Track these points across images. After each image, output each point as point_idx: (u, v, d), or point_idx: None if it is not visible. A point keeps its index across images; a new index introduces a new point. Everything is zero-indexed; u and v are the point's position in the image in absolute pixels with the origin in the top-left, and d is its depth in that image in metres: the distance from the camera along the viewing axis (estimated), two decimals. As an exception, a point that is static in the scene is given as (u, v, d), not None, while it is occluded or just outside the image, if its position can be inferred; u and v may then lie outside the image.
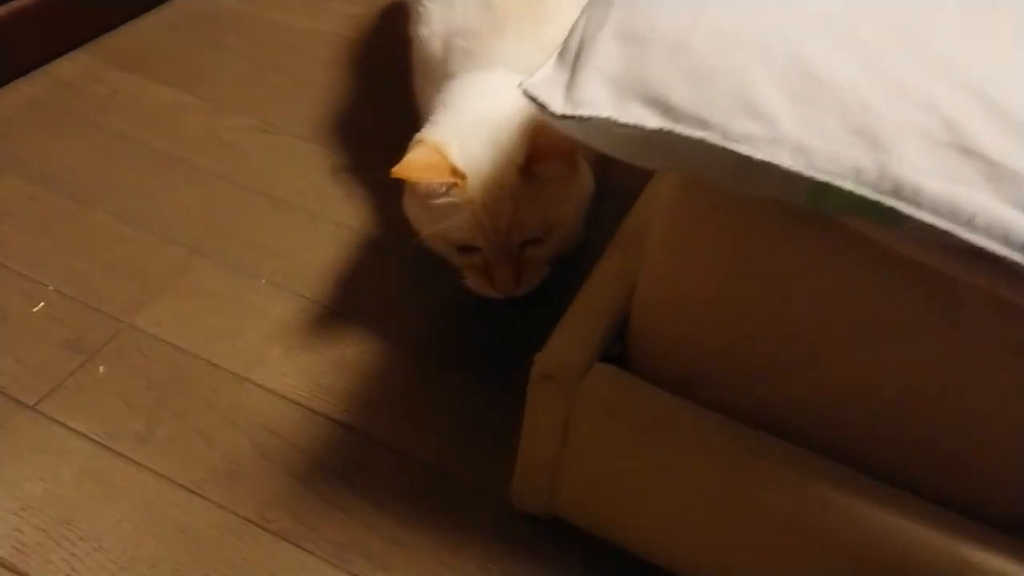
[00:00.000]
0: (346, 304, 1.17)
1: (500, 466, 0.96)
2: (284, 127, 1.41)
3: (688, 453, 0.81)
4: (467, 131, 1.01)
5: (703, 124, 0.59)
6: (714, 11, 0.63)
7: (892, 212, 0.57)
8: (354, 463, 1.00)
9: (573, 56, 0.65)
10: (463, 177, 0.97)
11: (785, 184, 0.60)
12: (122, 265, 1.19)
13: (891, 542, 0.73)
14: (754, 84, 0.59)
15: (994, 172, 0.56)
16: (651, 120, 0.60)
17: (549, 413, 0.85)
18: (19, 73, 1.45)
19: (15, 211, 1.25)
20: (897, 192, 0.57)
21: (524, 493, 0.94)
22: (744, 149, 0.59)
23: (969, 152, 0.57)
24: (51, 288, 1.16)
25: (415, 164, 0.98)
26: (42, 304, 1.14)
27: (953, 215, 0.57)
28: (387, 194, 1.10)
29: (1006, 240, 0.56)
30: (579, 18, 0.68)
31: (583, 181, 1.05)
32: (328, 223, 1.27)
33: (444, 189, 0.97)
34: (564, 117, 0.62)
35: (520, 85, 0.65)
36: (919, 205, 0.57)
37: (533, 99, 0.63)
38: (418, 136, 1.03)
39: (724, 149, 0.59)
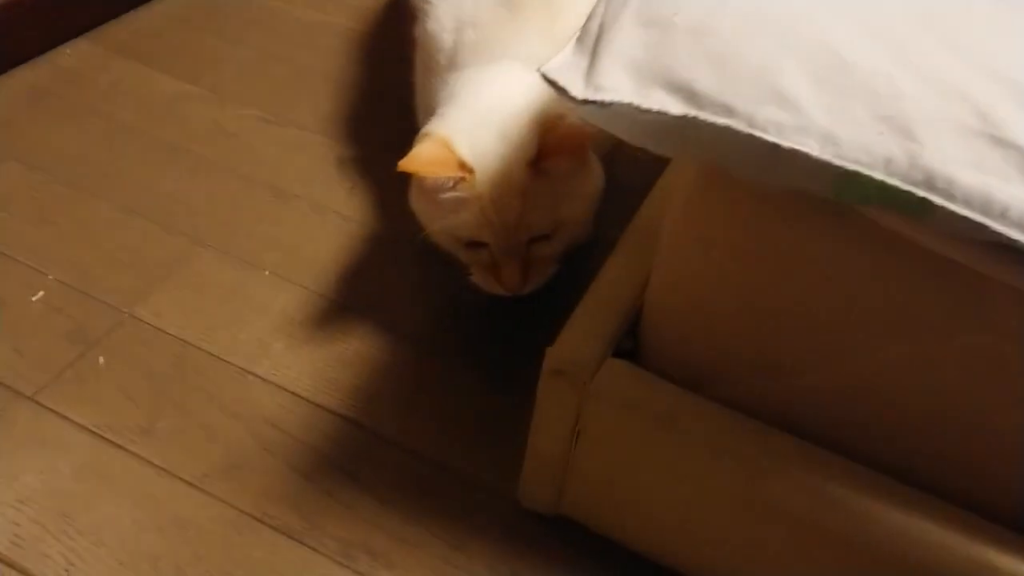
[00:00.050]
0: (351, 297, 1.15)
1: (507, 463, 0.95)
2: (289, 118, 1.39)
3: (701, 451, 0.79)
4: (476, 125, 0.99)
5: (728, 111, 0.58)
6: (740, -5, 0.62)
7: (923, 203, 0.56)
8: (358, 458, 0.98)
9: (593, 40, 0.63)
10: (471, 171, 0.96)
11: (812, 174, 0.58)
12: (123, 255, 1.18)
13: (908, 543, 0.72)
14: (781, 70, 0.58)
15: (1028, 163, 0.55)
16: (675, 106, 0.59)
17: (560, 409, 0.83)
18: (21, 60, 1.43)
19: (16, 199, 1.23)
20: (928, 182, 0.56)
21: (532, 491, 0.92)
22: (771, 137, 0.57)
23: (1002, 142, 0.56)
24: (51, 277, 1.14)
25: (422, 158, 0.96)
26: (42, 293, 1.12)
27: (986, 207, 0.55)
28: (393, 187, 1.08)
29: (1040, 234, 0.54)
30: (598, 2, 0.67)
31: (593, 177, 1.04)
32: (333, 215, 1.25)
33: (451, 183, 0.96)
34: (585, 102, 0.61)
35: (539, 69, 0.63)
36: (951, 196, 0.55)
37: (553, 83, 0.62)
38: (425, 129, 1.01)
39: (750, 137, 0.57)
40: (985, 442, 0.71)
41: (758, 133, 0.57)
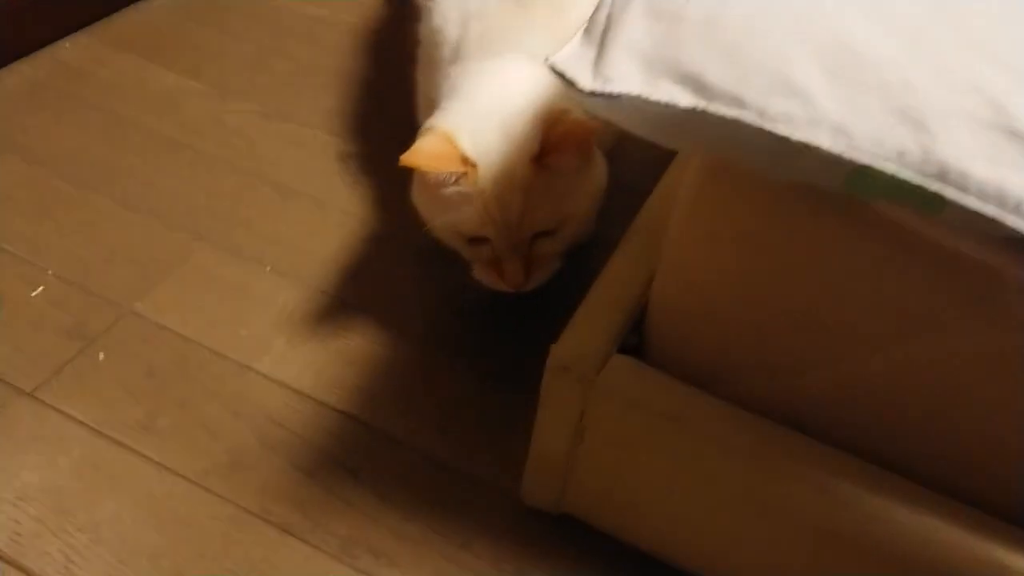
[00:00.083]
0: (352, 294, 1.14)
1: (510, 461, 0.94)
2: (289, 113, 1.38)
3: (708, 449, 0.78)
4: (479, 119, 0.98)
5: (739, 103, 0.57)
6: (750, -14, 0.61)
7: (936, 197, 0.55)
8: (360, 455, 0.98)
9: (600, 31, 0.63)
10: (473, 166, 0.95)
11: (823, 167, 0.57)
12: (123, 250, 1.17)
13: (920, 543, 0.71)
14: (793, 62, 0.57)
15: (1044, 156, 0.54)
16: (684, 98, 0.58)
17: (564, 406, 0.82)
18: (20, 55, 1.42)
19: (15, 194, 1.22)
20: (942, 175, 0.55)
21: (535, 489, 0.91)
22: (782, 129, 0.56)
23: (1017, 134, 0.55)
24: (50, 272, 1.13)
25: (424, 152, 0.95)
26: (41, 289, 1.11)
27: (1000, 201, 0.54)
28: (395, 183, 1.07)
29: (1056, 229, 0.53)
30: (605, -7, 0.66)
31: (597, 173, 1.03)
32: (334, 211, 1.24)
33: (453, 179, 0.95)
34: (593, 94, 0.60)
35: (547, 60, 0.62)
36: (965, 189, 0.54)
37: (560, 75, 0.61)
38: (428, 123, 1.01)
39: (760, 129, 0.57)
40: (995, 439, 0.70)
41: (768, 125, 0.56)
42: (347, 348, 1.08)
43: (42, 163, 1.27)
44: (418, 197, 1.03)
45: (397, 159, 0.92)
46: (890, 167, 0.55)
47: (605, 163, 1.04)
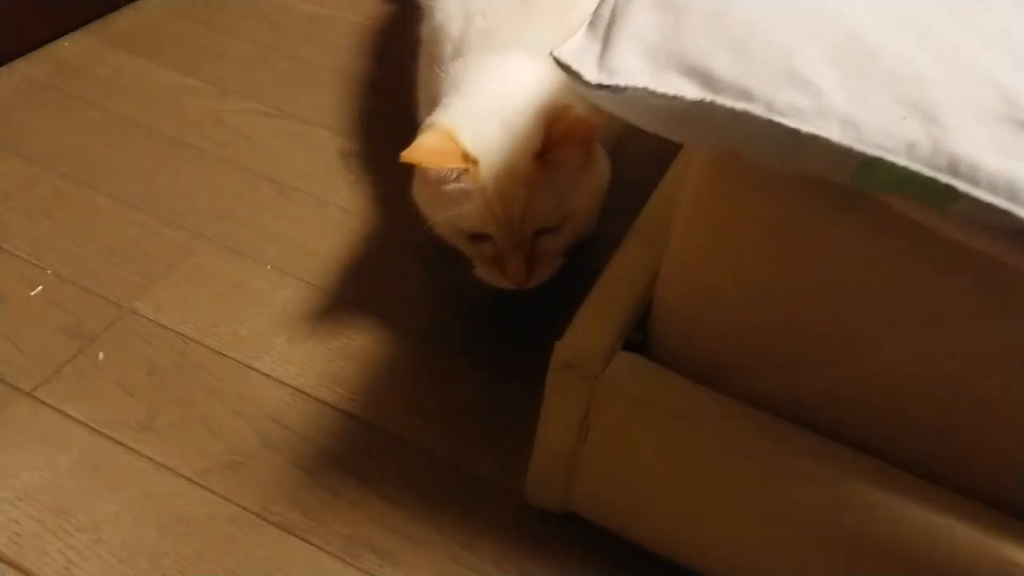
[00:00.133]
0: (354, 292, 1.14)
1: (513, 460, 0.93)
2: (290, 111, 1.38)
3: (715, 446, 0.78)
4: (480, 115, 0.98)
5: (746, 95, 0.56)
6: (756, -23, 0.60)
7: (946, 190, 0.54)
8: (362, 455, 0.97)
9: (605, 24, 0.62)
10: (475, 163, 0.94)
11: (831, 160, 0.57)
12: (123, 249, 1.16)
13: (931, 542, 0.70)
14: (800, 53, 0.56)
15: (1055, 149, 0.53)
16: (691, 91, 0.57)
17: (569, 403, 0.81)
18: (19, 53, 1.42)
19: (14, 193, 1.22)
20: (953, 168, 0.54)
21: (539, 487, 0.90)
22: (790, 122, 0.55)
23: (1028, 127, 0.54)
24: (50, 272, 1.12)
25: (425, 148, 0.95)
26: (40, 288, 1.10)
27: (1012, 193, 0.54)
28: (396, 180, 1.07)
29: (1067, 222, 0.53)
30: (610, -14, 0.65)
31: (600, 169, 1.02)
32: (335, 209, 1.23)
33: (454, 175, 0.94)
34: (599, 87, 0.59)
35: (552, 53, 0.61)
36: (976, 182, 0.54)
37: (566, 68, 0.60)
38: (429, 120, 1.00)
39: (769, 122, 0.56)
40: (1006, 434, 0.69)
41: (777, 118, 0.56)
42: (348, 347, 1.07)
43: (41, 162, 1.26)
44: (419, 194, 1.02)
45: (398, 157, 0.92)
46: (900, 160, 0.55)
47: (608, 160, 1.03)
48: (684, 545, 0.85)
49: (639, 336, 0.83)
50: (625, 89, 0.59)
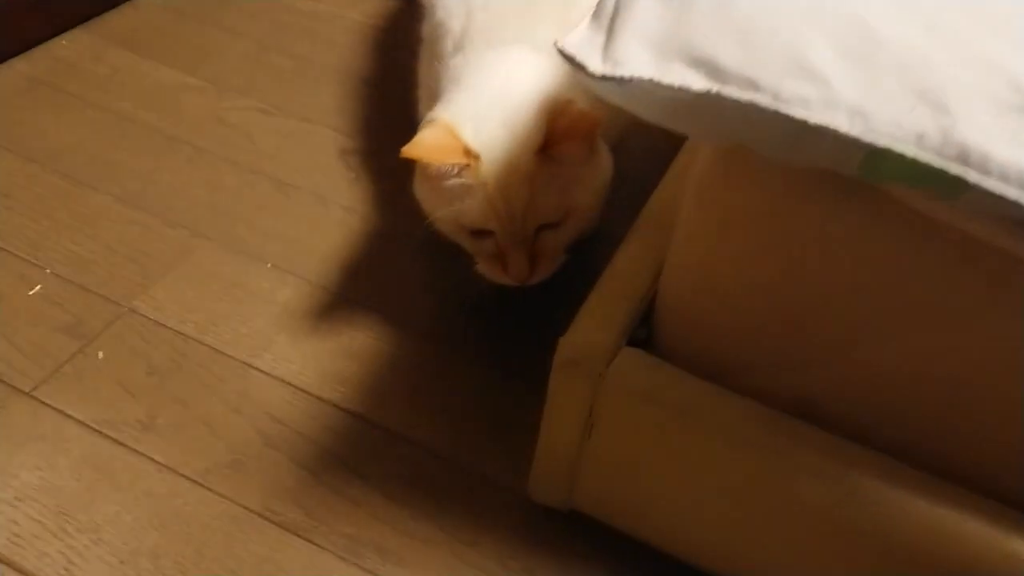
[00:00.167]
0: (354, 290, 1.13)
1: (516, 457, 0.93)
2: (289, 109, 1.37)
3: (719, 442, 0.77)
4: (482, 110, 0.97)
5: (753, 85, 0.55)
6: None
7: (956, 180, 0.54)
8: (364, 453, 0.96)
9: (609, 16, 0.61)
10: (476, 158, 0.94)
11: (839, 151, 0.56)
12: (122, 248, 1.15)
13: (938, 537, 0.70)
14: (808, 43, 0.56)
15: (1067, 138, 0.53)
16: (697, 81, 0.57)
17: (573, 400, 0.81)
18: (17, 51, 1.41)
19: (12, 192, 1.21)
20: (963, 158, 0.53)
21: (543, 485, 0.90)
22: (798, 112, 0.55)
23: (1039, 116, 0.53)
24: (49, 271, 1.12)
25: (426, 143, 0.94)
26: (39, 287, 1.10)
27: (1023, 183, 0.53)
28: (396, 178, 1.06)
29: (1080, 212, 0.52)
30: (613, -22, 0.64)
31: (603, 164, 1.01)
32: (335, 207, 1.23)
33: (456, 170, 0.94)
34: (603, 78, 0.58)
35: (555, 44, 0.61)
36: (987, 172, 0.53)
37: (570, 59, 0.59)
38: (430, 115, 0.99)
39: (776, 113, 0.55)
40: (1013, 429, 0.69)
41: (784, 108, 0.55)
42: (350, 345, 1.07)
43: (40, 160, 1.25)
44: (420, 190, 1.01)
45: (398, 154, 0.91)
46: (909, 149, 0.54)
47: (610, 155, 1.02)
48: (689, 542, 0.85)
49: (643, 332, 0.82)
50: (630, 80, 0.58)
